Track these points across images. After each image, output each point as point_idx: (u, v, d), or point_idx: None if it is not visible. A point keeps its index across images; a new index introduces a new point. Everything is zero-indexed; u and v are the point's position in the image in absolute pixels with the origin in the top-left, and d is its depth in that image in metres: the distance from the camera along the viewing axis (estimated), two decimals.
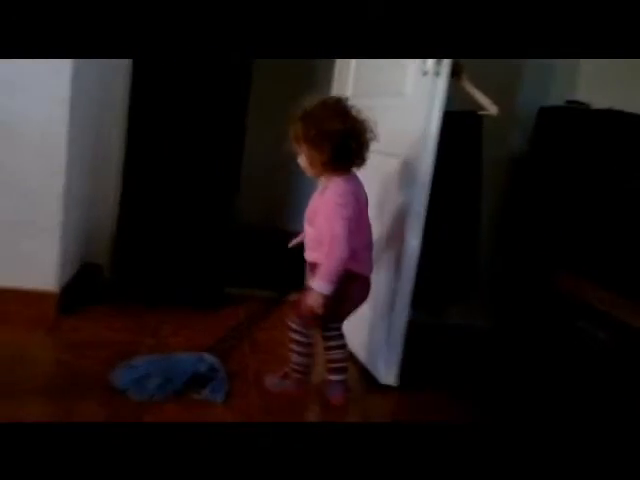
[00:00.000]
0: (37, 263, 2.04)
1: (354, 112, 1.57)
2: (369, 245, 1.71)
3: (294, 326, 1.72)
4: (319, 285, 1.55)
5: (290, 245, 1.81)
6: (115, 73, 2.40)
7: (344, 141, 1.54)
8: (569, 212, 2.26)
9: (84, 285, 2.31)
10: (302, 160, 1.60)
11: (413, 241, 1.79)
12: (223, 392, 1.65)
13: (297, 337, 1.72)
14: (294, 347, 1.74)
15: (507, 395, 2.00)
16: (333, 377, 1.74)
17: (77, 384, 1.62)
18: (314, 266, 1.64)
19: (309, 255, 1.70)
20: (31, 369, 1.68)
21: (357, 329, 2.05)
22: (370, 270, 1.71)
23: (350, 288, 1.63)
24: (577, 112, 2.31)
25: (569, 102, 2.36)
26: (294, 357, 1.75)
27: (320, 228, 1.59)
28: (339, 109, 1.56)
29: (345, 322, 2.13)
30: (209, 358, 1.74)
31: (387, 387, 1.86)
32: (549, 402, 1.97)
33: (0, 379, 1.58)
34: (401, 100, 1.91)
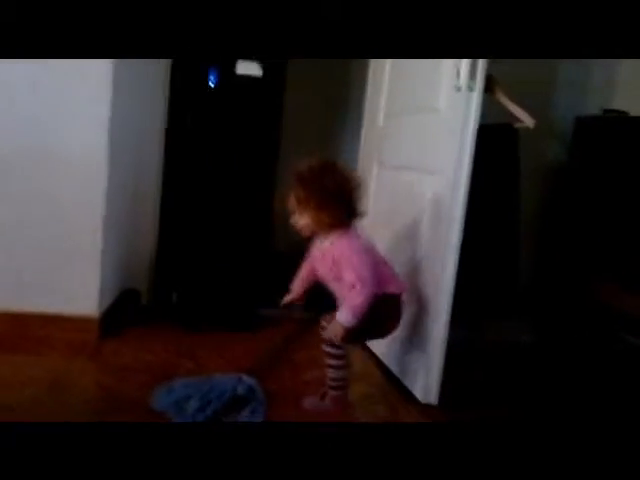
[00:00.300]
0: (78, 289, 2.09)
1: (347, 171, 1.65)
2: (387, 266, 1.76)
3: (326, 337, 1.71)
4: (344, 318, 1.60)
5: (283, 304, 1.83)
6: (153, 99, 2.46)
7: (349, 199, 1.63)
8: (609, 221, 2.20)
9: (124, 310, 2.34)
10: (303, 221, 1.64)
11: (451, 257, 1.77)
12: (262, 413, 1.64)
13: (330, 350, 1.71)
14: (329, 361, 1.73)
15: (552, 410, 1.93)
16: (333, 392, 1.74)
17: (118, 407, 1.63)
18: None
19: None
20: (74, 393, 1.70)
21: (395, 347, 2.02)
22: (397, 287, 1.74)
23: (378, 310, 1.65)
24: (615, 120, 2.26)
25: (606, 111, 2.32)
26: (330, 372, 1.74)
27: (349, 279, 1.62)
28: (338, 170, 1.63)
29: (382, 342, 2.13)
30: (247, 380, 1.74)
31: (427, 406, 1.82)
32: (593, 415, 1.90)
33: (44, 404, 1.61)
34: (435, 116, 1.90)
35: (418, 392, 1.86)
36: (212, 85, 2.36)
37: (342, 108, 3.12)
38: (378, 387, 1.99)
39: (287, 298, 1.83)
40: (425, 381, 1.83)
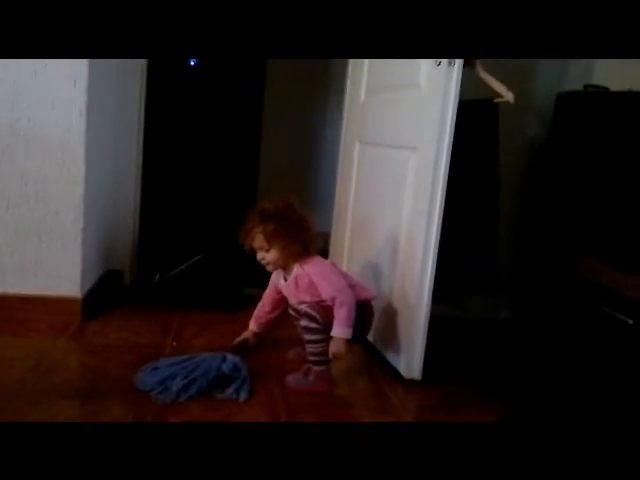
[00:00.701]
0: (60, 271, 2.08)
1: (303, 209, 1.80)
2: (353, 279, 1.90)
3: (309, 311, 1.74)
4: (341, 332, 1.71)
5: (235, 344, 1.93)
6: (130, 81, 2.43)
7: (310, 232, 1.78)
8: (589, 197, 2.22)
9: (107, 291, 2.33)
10: (271, 256, 1.76)
11: (432, 234, 1.78)
12: (247, 391, 1.65)
13: (308, 324, 1.75)
14: (307, 337, 1.76)
15: (532, 385, 1.96)
16: (316, 367, 1.77)
17: (103, 387, 1.63)
18: None
19: None
20: (57, 374, 1.69)
21: (379, 324, 2.04)
22: (369, 294, 1.86)
23: (359, 315, 1.76)
24: (596, 96, 2.26)
25: (587, 86, 2.32)
26: (309, 348, 1.76)
27: (327, 294, 1.74)
28: (297, 207, 1.78)
29: None
30: (232, 358, 1.74)
31: (411, 381, 1.84)
32: (575, 389, 1.93)
33: (28, 384, 1.60)
34: (416, 92, 1.89)
35: (402, 368, 1.88)
36: (192, 64, 2.33)
37: (324, 84, 3.10)
38: (362, 363, 2.01)
39: (238, 340, 1.95)
40: (408, 357, 1.85)
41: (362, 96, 2.39)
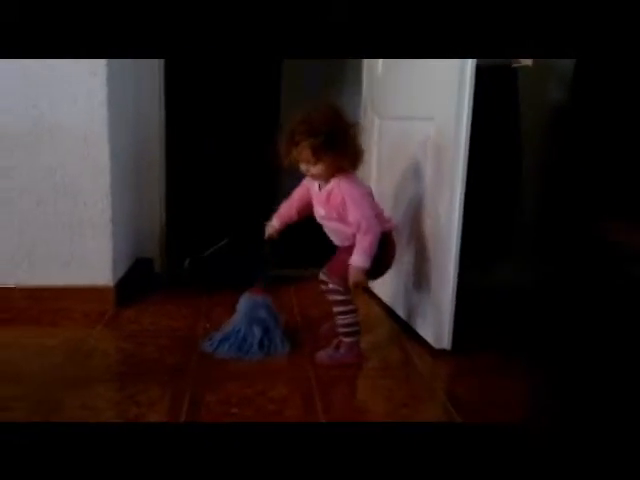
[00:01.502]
0: (91, 260, 2.12)
1: (348, 116, 1.72)
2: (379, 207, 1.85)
3: (331, 286, 1.75)
4: (361, 260, 1.66)
5: (267, 237, 1.90)
6: (149, 69, 2.45)
7: (355, 143, 1.69)
8: (614, 159, 2.19)
9: (138, 279, 2.38)
10: (317, 169, 1.67)
11: (456, 202, 1.77)
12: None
13: (336, 297, 1.75)
14: (336, 309, 1.76)
15: (562, 350, 1.96)
16: (346, 339, 1.78)
17: (139, 370, 1.67)
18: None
19: (341, 242, 1.80)
20: (95, 360, 1.75)
21: (404, 294, 2.05)
22: (390, 225, 1.83)
23: (381, 247, 1.72)
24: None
25: None
26: (339, 319, 1.77)
27: (354, 218, 1.69)
28: (343, 115, 1.69)
29: (394, 292, 2.15)
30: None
31: (441, 351, 1.84)
32: (605, 352, 1.92)
33: (67, 371, 1.65)
34: (432, 61, 1.87)
35: (431, 338, 1.88)
36: None
37: (340, 60, 3.08)
38: (390, 335, 2.03)
39: (270, 230, 1.89)
40: (437, 327, 1.85)
41: (379, 70, 2.37)
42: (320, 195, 1.76)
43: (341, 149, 1.65)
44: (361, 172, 2.52)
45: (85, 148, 2.06)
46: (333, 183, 1.71)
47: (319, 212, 1.79)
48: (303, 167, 1.69)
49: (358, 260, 1.66)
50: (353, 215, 1.69)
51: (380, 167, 2.35)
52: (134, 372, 1.67)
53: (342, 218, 1.72)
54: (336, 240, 1.81)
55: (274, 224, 1.89)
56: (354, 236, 1.70)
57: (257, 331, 1.81)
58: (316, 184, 1.77)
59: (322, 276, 1.80)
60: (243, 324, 1.84)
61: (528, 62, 2.01)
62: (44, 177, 2.06)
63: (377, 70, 2.39)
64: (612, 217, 2.17)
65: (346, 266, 1.68)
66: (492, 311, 2.28)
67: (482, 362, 1.82)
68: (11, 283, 2.10)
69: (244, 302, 1.89)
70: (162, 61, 2.42)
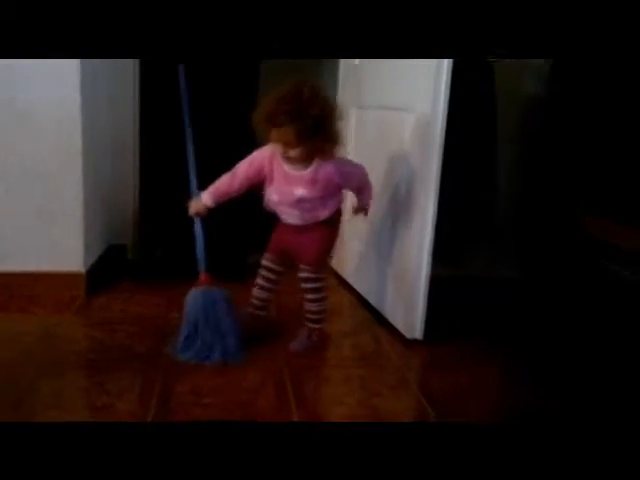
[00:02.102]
0: (63, 246, 2.09)
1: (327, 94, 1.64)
2: None
3: (314, 276, 1.76)
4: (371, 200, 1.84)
5: (194, 214, 1.82)
6: None
7: (339, 123, 1.62)
8: (590, 152, 2.21)
9: (110, 265, 2.35)
10: (297, 153, 1.59)
11: (431, 193, 1.78)
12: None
13: (318, 284, 1.77)
14: (310, 296, 1.78)
15: (534, 341, 1.98)
16: (317, 325, 1.80)
17: (110, 358, 1.66)
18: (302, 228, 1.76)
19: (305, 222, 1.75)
20: (65, 347, 1.72)
21: (380, 285, 2.06)
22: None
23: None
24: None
25: None
26: (314, 306, 1.79)
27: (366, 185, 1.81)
28: (323, 93, 1.60)
29: (367, 280, 2.16)
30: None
31: (414, 341, 1.86)
32: (577, 344, 1.95)
33: (37, 357, 1.63)
34: None
35: (403, 328, 1.89)
36: None
37: (317, 73, 3.05)
38: (362, 324, 2.04)
39: (197, 206, 1.79)
40: (410, 316, 1.86)
41: (357, 60, 2.37)
42: (302, 175, 1.66)
43: (325, 134, 1.58)
44: None
45: (58, 133, 2.02)
46: (317, 163, 1.65)
47: (295, 192, 1.68)
48: (280, 149, 1.60)
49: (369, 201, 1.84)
50: (364, 184, 1.80)
51: (357, 157, 2.34)
52: (104, 360, 1.65)
53: (327, 197, 1.71)
54: (300, 220, 1.74)
55: (206, 202, 1.77)
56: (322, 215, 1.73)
57: (209, 336, 1.67)
58: (283, 164, 1.67)
59: (303, 273, 1.76)
60: (193, 326, 1.69)
61: None
62: (15, 161, 2.02)
63: (354, 60, 2.38)
64: (589, 209, 2.19)
65: (317, 249, 1.75)
66: (467, 302, 2.30)
67: (453, 352, 1.83)
68: None
69: (192, 297, 1.73)
70: None
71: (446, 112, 1.73)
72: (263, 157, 1.70)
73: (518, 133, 2.49)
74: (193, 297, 1.73)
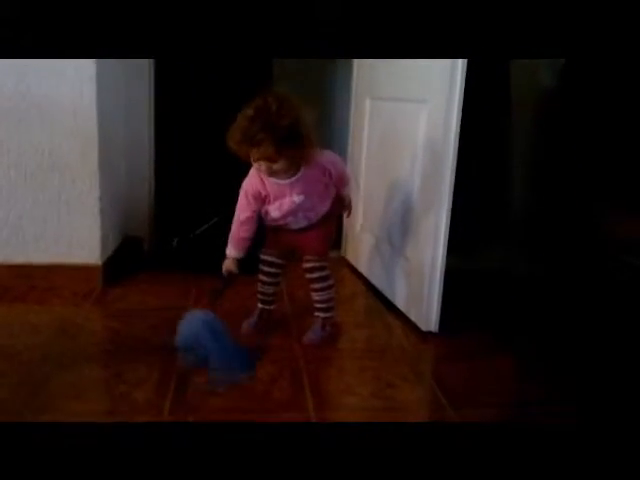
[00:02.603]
0: (79, 238, 2.12)
1: (301, 104, 1.58)
2: None
3: (319, 264, 1.77)
4: (349, 188, 1.83)
5: (225, 272, 1.74)
6: None
7: (312, 125, 1.57)
8: (608, 147, 2.19)
9: (126, 257, 2.37)
10: (281, 165, 1.56)
11: (446, 187, 1.77)
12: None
13: (324, 273, 1.78)
14: (316, 285, 1.79)
15: (548, 334, 1.97)
16: (328, 314, 1.81)
17: (127, 349, 1.68)
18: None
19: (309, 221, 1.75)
20: (82, 338, 1.75)
21: (395, 277, 2.06)
22: None
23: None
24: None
25: None
26: (322, 295, 1.80)
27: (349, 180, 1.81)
28: (297, 105, 1.55)
29: (382, 272, 2.16)
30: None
31: (429, 333, 1.86)
32: (592, 339, 1.94)
33: (54, 349, 1.66)
34: None
35: (419, 320, 1.90)
36: None
37: (331, 77, 3.07)
38: (379, 316, 2.04)
39: (231, 265, 1.73)
40: (425, 309, 1.87)
41: None
42: (294, 182, 1.65)
43: (302, 140, 1.54)
44: (352, 152, 2.53)
45: (74, 124, 2.03)
46: (303, 168, 1.64)
47: (295, 200, 1.67)
48: (263, 166, 1.57)
49: (348, 189, 1.82)
50: (347, 179, 1.80)
51: (370, 147, 2.34)
52: (121, 350, 1.67)
53: (323, 192, 1.72)
54: (306, 221, 1.74)
55: (234, 255, 1.73)
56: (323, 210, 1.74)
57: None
58: (271, 179, 1.65)
59: (309, 264, 1.77)
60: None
61: None
62: (32, 153, 2.04)
63: None
64: (605, 206, 2.18)
65: (322, 240, 1.77)
66: (481, 295, 2.30)
67: (469, 345, 1.83)
68: None
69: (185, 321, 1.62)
70: None
71: (461, 104, 1.72)
72: (254, 183, 1.68)
73: (533, 128, 2.48)
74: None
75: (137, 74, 2.44)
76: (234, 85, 2.35)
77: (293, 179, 1.65)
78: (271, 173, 1.60)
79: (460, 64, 1.70)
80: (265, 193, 1.68)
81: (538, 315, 2.12)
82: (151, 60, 2.42)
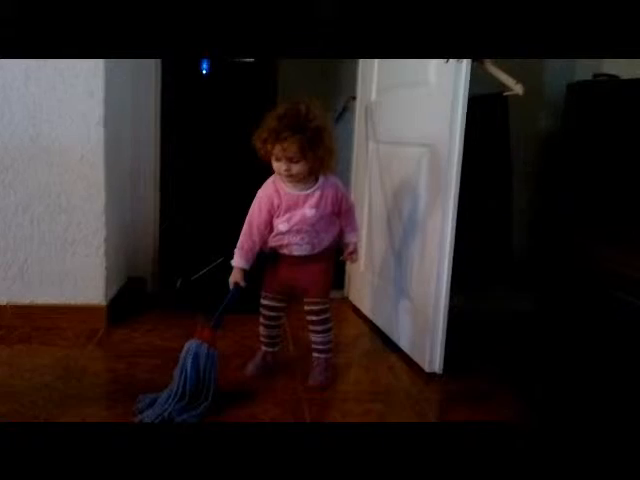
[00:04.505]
0: (84, 279, 2.13)
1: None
2: None
3: (322, 307, 1.78)
4: (356, 237, 1.82)
5: (233, 283, 1.72)
6: (145, 90, 2.48)
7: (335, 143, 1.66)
8: (603, 185, 2.22)
9: (130, 298, 2.38)
10: (299, 168, 1.61)
11: (447, 228, 1.80)
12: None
13: (325, 315, 1.79)
14: (316, 327, 1.80)
15: (554, 375, 1.97)
16: (328, 355, 1.82)
17: (131, 390, 1.67)
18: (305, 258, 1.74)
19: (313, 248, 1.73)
20: (86, 379, 1.74)
21: (399, 318, 2.06)
22: None
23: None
24: (607, 84, 2.27)
25: (596, 75, 2.33)
26: (324, 337, 1.81)
27: (351, 208, 1.80)
28: (321, 110, 1.62)
29: (385, 313, 2.17)
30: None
31: (432, 374, 1.86)
32: (596, 378, 1.93)
33: (58, 390, 1.65)
34: (426, 89, 1.91)
35: (422, 361, 1.89)
36: (204, 73, 2.38)
37: (335, 84, 3.12)
38: (382, 358, 2.03)
39: (237, 276, 1.70)
40: (429, 350, 1.87)
41: (373, 95, 2.41)
42: (309, 195, 1.68)
43: (324, 145, 1.60)
44: (356, 194, 2.57)
45: (81, 168, 2.07)
46: (322, 180, 1.69)
47: (307, 213, 1.67)
48: (283, 167, 1.60)
49: (354, 237, 1.81)
50: (349, 206, 1.78)
51: (373, 189, 2.37)
52: (125, 392, 1.66)
53: (331, 219, 1.73)
54: (308, 247, 1.72)
55: (240, 265, 1.70)
56: (330, 237, 1.75)
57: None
58: (285, 189, 1.67)
59: (312, 306, 1.78)
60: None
61: (519, 91, 2.04)
62: (39, 195, 2.07)
63: (371, 96, 2.42)
64: (604, 243, 2.20)
65: (323, 280, 1.77)
66: (486, 335, 2.29)
67: (473, 387, 1.83)
68: (3, 300, 2.11)
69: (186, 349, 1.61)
70: (159, 81, 2.45)
71: (462, 148, 1.76)
72: (269, 191, 1.70)
73: (530, 166, 2.52)
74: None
75: (144, 114, 2.49)
76: (240, 126, 2.39)
77: (309, 191, 1.68)
78: (290, 175, 1.62)
79: (460, 107, 1.74)
80: (278, 202, 1.68)
81: (542, 354, 2.12)
82: (158, 99, 2.46)
